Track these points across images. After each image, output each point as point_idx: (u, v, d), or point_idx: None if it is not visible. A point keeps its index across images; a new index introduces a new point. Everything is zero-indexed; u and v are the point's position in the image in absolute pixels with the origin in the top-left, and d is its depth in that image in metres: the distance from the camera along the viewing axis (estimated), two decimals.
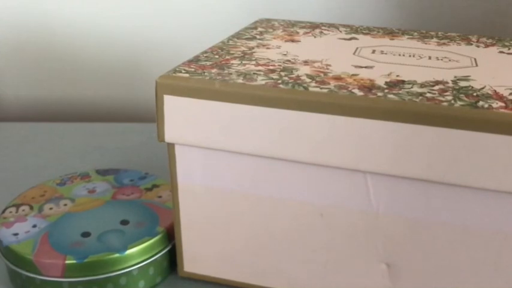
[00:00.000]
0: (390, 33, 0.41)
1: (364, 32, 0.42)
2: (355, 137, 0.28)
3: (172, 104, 0.30)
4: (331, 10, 0.61)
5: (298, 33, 0.40)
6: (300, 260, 0.32)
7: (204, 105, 0.30)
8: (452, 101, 0.27)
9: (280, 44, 0.37)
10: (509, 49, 0.37)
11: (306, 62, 0.33)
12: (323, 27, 0.43)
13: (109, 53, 0.63)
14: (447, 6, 0.60)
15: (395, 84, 0.29)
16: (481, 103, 0.27)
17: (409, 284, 0.30)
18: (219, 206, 0.32)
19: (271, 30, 0.41)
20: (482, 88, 0.29)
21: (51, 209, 0.36)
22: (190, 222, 0.33)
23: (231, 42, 0.37)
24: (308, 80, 0.30)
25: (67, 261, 0.31)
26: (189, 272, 0.35)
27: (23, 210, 0.36)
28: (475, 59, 0.35)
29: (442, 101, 0.27)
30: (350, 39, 0.39)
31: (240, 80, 0.30)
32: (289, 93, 0.28)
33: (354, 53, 0.35)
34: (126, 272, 0.33)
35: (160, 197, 0.38)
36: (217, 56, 0.34)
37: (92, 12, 0.62)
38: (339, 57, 0.34)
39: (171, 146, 0.32)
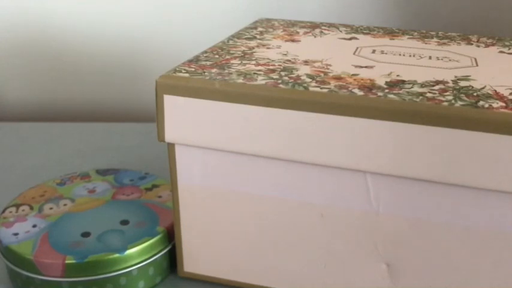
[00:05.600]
0: (390, 33, 0.41)
1: (364, 31, 0.42)
2: (355, 137, 0.28)
3: (172, 104, 0.30)
4: (331, 10, 0.61)
5: (298, 33, 0.40)
6: (300, 260, 0.32)
7: (204, 105, 0.30)
8: (453, 101, 0.27)
9: (280, 43, 0.37)
10: (509, 49, 0.37)
11: (306, 62, 0.33)
12: (323, 27, 0.43)
13: (109, 53, 0.63)
14: (447, 6, 0.60)
15: (395, 84, 0.29)
16: (481, 103, 0.27)
17: (409, 284, 0.30)
18: (219, 206, 0.32)
19: (271, 30, 0.41)
20: (483, 88, 0.29)
21: (51, 209, 0.36)
22: (190, 222, 0.33)
23: (231, 42, 0.37)
24: (308, 80, 0.30)
25: (67, 261, 0.31)
26: (189, 272, 0.35)
27: (23, 210, 0.36)
28: (475, 59, 0.35)
29: (443, 101, 0.27)
30: (350, 39, 0.39)
31: (240, 80, 0.30)
32: (289, 93, 0.28)
33: (354, 53, 0.35)
34: (126, 272, 0.33)
35: (160, 197, 0.38)
36: (217, 56, 0.34)
37: (92, 12, 0.62)
38: (339, 57, 0.34)
39: (171, 146, 0.32)
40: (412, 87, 0.29)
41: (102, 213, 0.36)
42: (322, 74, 0.31)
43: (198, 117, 0.30)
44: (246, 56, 0.34)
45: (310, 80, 0.30)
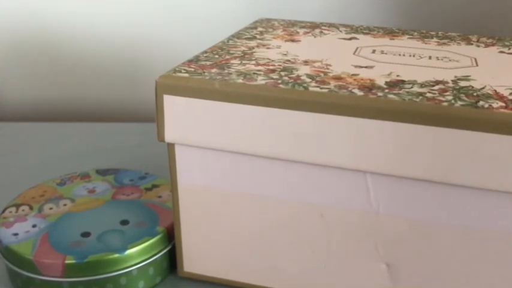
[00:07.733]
0: (390, 33, 0.41)
1: (364, 31, 0.42)
2: (355, 137, 0.28)
3: (172, 104, 0.30)
4: (331, 10, 0.61)
5: (298, 33, 0.40)
6: (300, 260, 0.32)
7: (204, 105, 0.30)
8: (453, 101, 0.27)
9: (280, 43, 0.37)
10: (509, 49, 0.37)
11: (306, 62, 0.33)
12: (323, 27, 0.43)
13: (109, 53, 0.63)
14: (447, 6, 0.60)
15: (395, 84, 0.29)
16: (481, 103, 0.27)
17: (409, 284, 0.30)
18: (219, 206, 0.32)
19: (271, 30, 0.41)
20: (483, 88, 0.29)
21: (51, 209, 0.36)
22: (190, 222, 0.33)
23: (231, 42, 0.37)
24: (308, 80, 0.30)
25: (67, 261, 0.31)
26: (189, 272, 0.35)
27: (23, 210, 0.36)
28: (475, 59, 0.35)
29: (442, 101, 0.27)
30: (350, 39, 0.39)
31: (240, 80, 0.30)
32: (289, 93, 0.28)
33: (354, 53, 0.35)
34: (126, 272, 0.33)
35: (160, 197, 0.38)
36: (217, 56, 0.34)
37: (92, 12, 0.62)
38: (339, 57, 0.34)
39: (171, 146, 0.32)
40: (412, 87, 0.29)
41: (102, 213, 0.36)
42: (322, 74, 0.31)
43: (198, 117, 0.30)
44: (246, 56, 0.34)
45: (310, 80, 0.30)
